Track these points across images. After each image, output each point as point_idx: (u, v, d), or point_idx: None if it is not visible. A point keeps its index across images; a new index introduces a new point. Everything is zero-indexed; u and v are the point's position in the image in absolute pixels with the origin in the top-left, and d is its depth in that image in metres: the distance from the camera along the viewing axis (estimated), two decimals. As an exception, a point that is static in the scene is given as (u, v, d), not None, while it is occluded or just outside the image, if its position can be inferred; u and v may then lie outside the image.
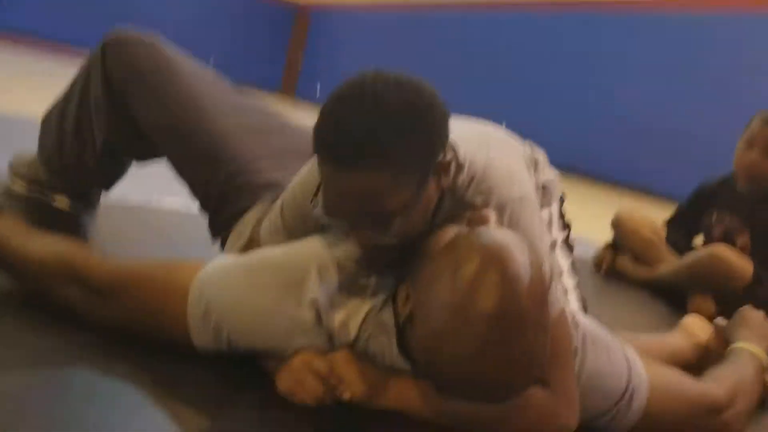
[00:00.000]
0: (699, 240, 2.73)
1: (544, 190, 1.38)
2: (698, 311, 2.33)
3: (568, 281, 1.41)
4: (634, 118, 8.75)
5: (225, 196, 1.34)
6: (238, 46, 17.20)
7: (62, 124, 1.54)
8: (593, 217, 2.80)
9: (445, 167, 0.97)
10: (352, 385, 0.96)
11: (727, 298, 2.33)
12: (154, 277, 1.04)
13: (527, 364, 0.84)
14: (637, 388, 1.13)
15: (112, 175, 1.62)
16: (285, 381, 0.98)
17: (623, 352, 1.15)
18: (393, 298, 0.98)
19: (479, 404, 0.94)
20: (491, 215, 0.94)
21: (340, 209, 0.94)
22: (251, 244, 1.22)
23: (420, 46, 13.38)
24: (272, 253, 1.04)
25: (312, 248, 1.02)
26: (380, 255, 0.98)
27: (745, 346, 1.41)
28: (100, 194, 1.72)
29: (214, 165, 1.34)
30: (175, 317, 1.01)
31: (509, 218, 1.04)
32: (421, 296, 0.89)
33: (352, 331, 0.99)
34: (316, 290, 0.98)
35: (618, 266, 2.71)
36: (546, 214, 1.39)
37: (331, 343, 0.99)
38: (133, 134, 1.45)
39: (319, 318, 0.98)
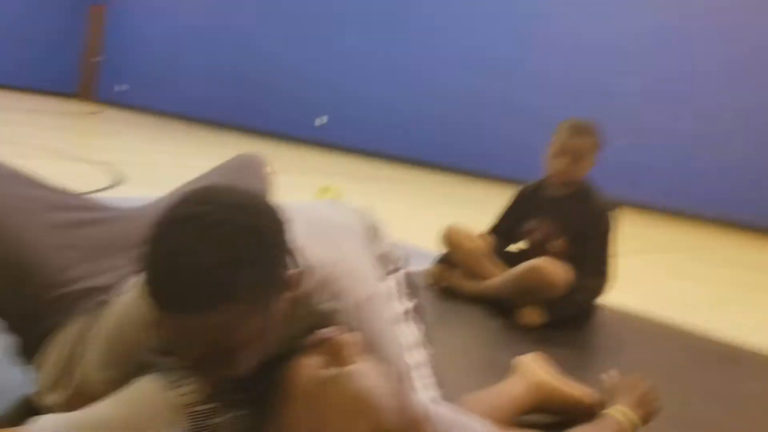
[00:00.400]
0: (523, 245, 2.85)
1: (383, 260, 1.34)
2: (527, 321, 2.45)
3: (417, 356, 1.37)
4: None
5: (36, 313, 1.15)
6: (23, 48, 15.66)
7: None
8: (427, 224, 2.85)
9: (292, 282, 0.92)
10: None
11: (551, 306, 2.47)
12: None
13: None
14: None
15: None
16: None
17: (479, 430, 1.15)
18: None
19: None
20: (351, 344, 0.90)
21: (182, 352, 0.85)
22: (79, 391, 1.06)
23: (235, 28, 12.89)
24: (110, 411, 0.91)
25: (153, 398, 0.90)
26: (230, 386, 0.91)
27: (614, 412, 1.42)
28: None
29: (20, 280, 1.15)
30: None
31: (364, 320, 1.03)
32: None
33: None
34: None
35: (452, 281, 2.78)
36: (388, 286, 1.34)
37: None
38: None
39: None
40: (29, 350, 1.17)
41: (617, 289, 2.78)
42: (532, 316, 2.45)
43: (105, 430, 0.88)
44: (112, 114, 12.92)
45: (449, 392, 1.47)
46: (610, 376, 1.56)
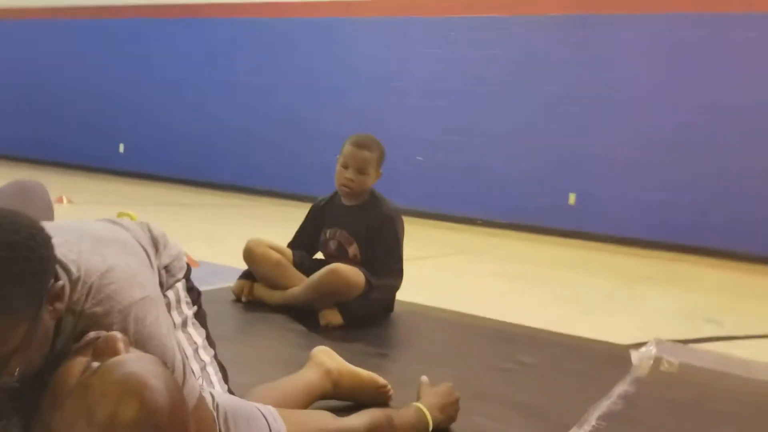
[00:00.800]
0: (322, 255, 3.07)
1: (167, 271, 1.46)
2: (328, 322, 2.66)
3: (205, 356, 1.50)
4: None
5: None
6: None
7: None
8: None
9: (57, 294, 0.99)
10: None
11: (349, 307, 2.71)
12: None
13: None
14: None
15: None
16: None
17: (263, 417, 1.30)
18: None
19: None
20: (117, 339, 0.95)
21: None
22: None
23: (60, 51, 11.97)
24: None
25: None
26: (4, 395, 0.96)
27: (419, 405, 1.64)
28: None
29: None
30: None
31: (134, 321, 1.07)
32: (47, 414, 0.90)
33: None
34: None
35: (255, 294, 2.93)
36: (172, 294, 1.47)
37: None
38: None
39: None
40: None
41: (414, 288, 3.09)
42: (332, 316, 2.67)
43: None
44: None
45: (247, 388, 1.63)
46: (422, 381, 1.79)
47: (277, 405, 1.44)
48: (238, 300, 2.93)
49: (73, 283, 1.04)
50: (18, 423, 0.97)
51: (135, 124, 10.63)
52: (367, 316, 2.76)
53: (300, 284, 2.83)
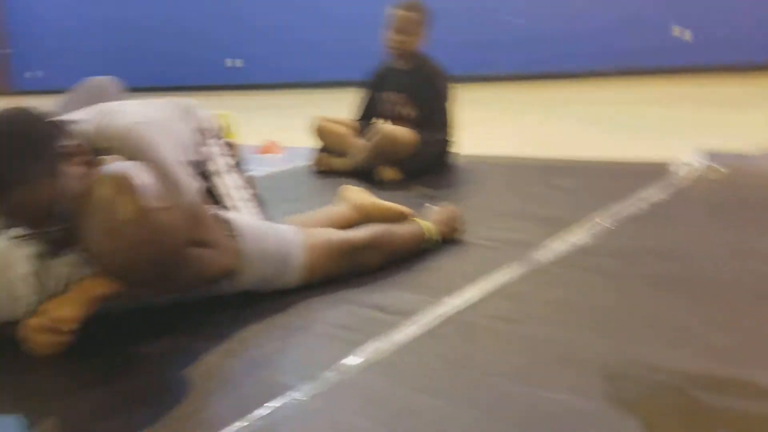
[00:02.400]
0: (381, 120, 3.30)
1: (202, 132, 1.78)
2: (386, 177, 2.93)
3: (244, 193, 1.85)
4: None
5: None
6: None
7: None
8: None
9: (72, 151, 1.27)
10: (70, 314, 1.27)
11: (403, 163, 2.96)
12: None
13: (172, 253, 1.21)
14: (291, 253, 1.56)
15: None
16: (29, 336, 1.28)
17: (279, 231, 1.58)
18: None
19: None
20: (105, 159, 1.27)
21: (18, 223, 1.25)
22: None
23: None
24: None
25: (11, 245, 1.32)
26: (60, 239, 1.28)
27: (419, 220, 1.87)
28: None
29: None
30: None
31: (135, 137, 1.37)
32: (87, 238, 1.20)
33: (54, 281, 1.31)
34: (26, 267, 1.29)
35: (326, 163, 3.24)
36: (207, 149, 1.79)
37: (47, 297, 1.30)
38: None
39: (30, 290, 1.30)
40: None
41: (489, 142, 3.25)
42: (387, 172, 2.94)
43: None
44: (31, 101, 12.82)
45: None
46: (428, 206, 2.01)
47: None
48: (314, 169, 3.27)
49: (89, 137, 1.36)
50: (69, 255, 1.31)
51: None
52: (420, 168, 2.96)
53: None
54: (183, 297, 1.49)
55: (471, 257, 1.81)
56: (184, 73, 11.94)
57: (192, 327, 1.45)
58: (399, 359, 1.26)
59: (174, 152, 1.45)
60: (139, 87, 11.44)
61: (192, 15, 11.83)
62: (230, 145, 1.92)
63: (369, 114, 3.30)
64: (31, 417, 1.15)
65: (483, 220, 2.11)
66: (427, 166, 3.00)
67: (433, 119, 3.05)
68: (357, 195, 2.09)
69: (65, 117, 1.41)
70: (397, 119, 3.11)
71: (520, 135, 4.21)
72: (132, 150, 1.35)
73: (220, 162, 1.82)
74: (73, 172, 1.26)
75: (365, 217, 2.03)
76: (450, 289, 1.55)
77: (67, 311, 1.27)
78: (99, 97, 1.92)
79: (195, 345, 1.37)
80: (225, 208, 1.72)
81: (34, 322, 1.27)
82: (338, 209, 2.03)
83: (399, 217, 2.03)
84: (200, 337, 1.40)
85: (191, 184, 1.42)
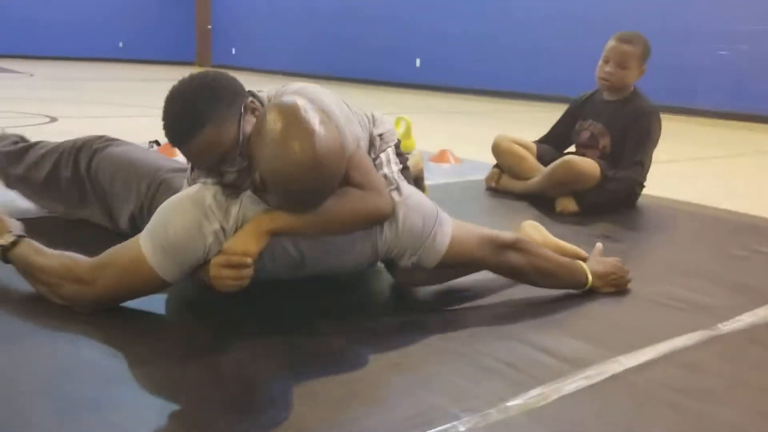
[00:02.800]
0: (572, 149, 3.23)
1: (381, 138, 1.85)
2: (564, 209, 2.86)
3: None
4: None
5: (150, 202, 1.87)
6: (145, 27, 17.01)
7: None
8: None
9: (252, 107, 1.45)
10: (245, 248, 1.38)
11: (584, 196, 2.86)
12: (116, 254, 1.46)
13: (332, 170, 1.33)
14: (444, 221, 1.59)
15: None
16: (212, 277, 1.40)
17: (434, 204, 1.62)
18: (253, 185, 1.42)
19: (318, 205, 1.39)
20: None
21: (200, 164, 1.44)
22: None
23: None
24: (179, 193, 1.50)
25: (199, 188, 1.45)
26: (238, 179, 1.43)
27: (582, 263, 1.80)
28: None
29: (140, 183, 1.94)
30: (140, 269, 1.42)
31: (306, 93, 1.53)
32: (256, 151, 1.35)
33: (233, 215, 1.42)
34: (213, 206, 1.41)
35: (501, 183, 3.22)
36: (384, 156, 1.85)
37: (228, 234, 1.42)
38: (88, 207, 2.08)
39: (218, 221, 1.41)
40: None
41: (681, 186, 3.06)
42: (567, 203, 2.86)
43: (177, 203, 1.44)
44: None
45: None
46: (597, 247, 1.94)
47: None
48: (488, 188, 3.26)
49: (263, 100, 1.53)
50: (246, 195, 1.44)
51: (429, 40, 11.31)
52: (603, 205, 2.86)
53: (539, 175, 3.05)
54: (333, 261, 1.55)
55: (652, 316, 1.71)
56: (374, 68, 12.35)
57: (359, 332, 1.50)
58: (561, 411, 1.22)
59: (337, 109, 1.58)
60: (322, 76, 12.06)
61: (386, 6, 12.15)
62: (402, 154, 1.98)
63: (556, 139, 3.24)
64: (208, 400, 1.23)
65: (670, 278, 2.00)
66: (609, 203, 2.89)
67: (626, 156, 2.93)
68: (535, 231, 2.05)
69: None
70: (591, 149, 3.03)
71: (721, 183, 3.94)
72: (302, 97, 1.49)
73: (392, 169, 1.88)
74: (251, 121, 1.42)
75: None
76: (625, 347, 1.48)
77: (242, 245, 1.39)
78: None
79: (361, 351, 1.41)
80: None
81: (217, 258, 1.41)
82: None
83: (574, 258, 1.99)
84: (366, 344, 1.44)
85: (353, 132, 1.56)
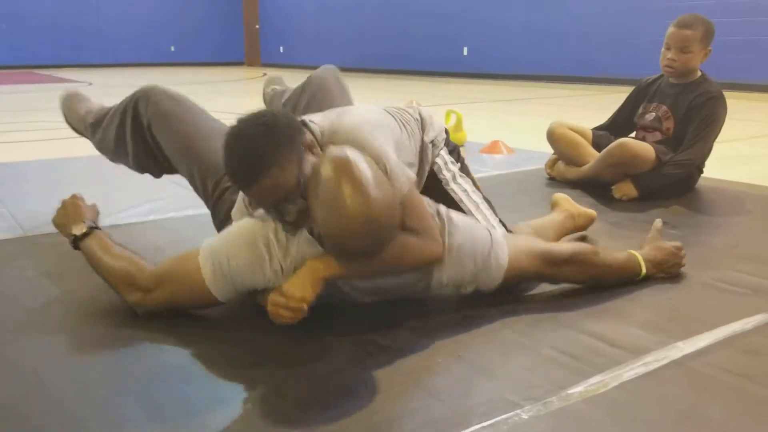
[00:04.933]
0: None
1: (433, 144, 1.90)
2: (622, 195, 2.86)
3: (476, 197, 1.94)
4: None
5: (215, 201, 1.88)
6: (195, 30, 17.40)
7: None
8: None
9: (309, 144, 1.47)
10: (303, 294, 1.41)
11: (641, 180, 2.86)
12: (175, 267, 1.55)
13: (385, 225, 1.30)
14: (498, 250, 1.61)
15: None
16: (270, 314, 1.45)
17: (486, 231, 1.64)
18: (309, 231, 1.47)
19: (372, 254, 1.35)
20: (332, 144, 1.45)
21: (263, 205, 1.45)
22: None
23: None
24: (241, 223, 1.55)
25: (263, 224, 1.50)
26: (298, 217, 1.44)
27: (635, 253, 1.81)
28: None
29: (204, 179, 1.90)
30: (196, 286, 1.50)
31: (358, 133, 1.54)
32: (311, 205, 1.34)
33: (292, 253, 1.47)
34: (273, 241, 1.47)
35: (556, 170, 3.24)
36: (440, 160, 1.92)
37: (286, 272, 1.47)
38: (154, 159, 2.06)
39: (278, 260, 1.47)
40: (217, 224, 1.89)
41: (729, 167, 3.01)
42: (625, 188, 2.86)
43: (239, 234, 1.50)
44: (273, 72, 14.07)
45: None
46: (656, 225, 1.94)
47: (530, 233, 1.96)
48: (546, 174, 3.30)
49: (317, 134, 1.55)
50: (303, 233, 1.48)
51: (477, 28, 11.25)
52: (661, 189, 2.85)
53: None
54: (391, 293, 1.60)
55: (710, 301, 1.73)
56: (421, 58, 12.36)
57: (420, 326, 1.56)
58: (621, 397, 1.26)
59: (390, 147, 1.58)
60: (370, 69, 12.17)
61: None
62: (456, 150, 2.02)
63: (622, 126, 3.24)
64: (280, 392, 1.31)
65: (728, 262, 2.01)
66: (666, 187, 2.88)
67: (689, 139, 2.91)
68: (568, 203, 2.25)
69: (304, 117, 1.62)
70: (654, 131, 3.02)
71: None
72: (354, 143, 1.49)
73: (451, 170, 1.92)
74: (309, 160, 1.44)
75: (575, 224, 2.22)
76: (683, 333, 1.51)
77: (299, 292, 1.42)
78: (323, 93, 2.13)
79: (424, 343, 1.47)
80: (461, 211, 1.84)
81: (274, 298, 1.44)
82: (556, 218, 2.17)
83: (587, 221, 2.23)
84: (428, 337, 1.50)
85: (406, 174, 1.54)
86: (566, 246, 1.75)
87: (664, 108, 3.02)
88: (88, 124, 2.30)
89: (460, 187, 1.93)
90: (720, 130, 2.96)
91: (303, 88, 2.18)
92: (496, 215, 1.95)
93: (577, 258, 1.71)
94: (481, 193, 1.97)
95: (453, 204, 1.89)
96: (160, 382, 1.33)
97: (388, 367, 1.39)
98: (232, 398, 1.28)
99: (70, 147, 4.36)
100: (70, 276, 1.87)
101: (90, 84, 10.90)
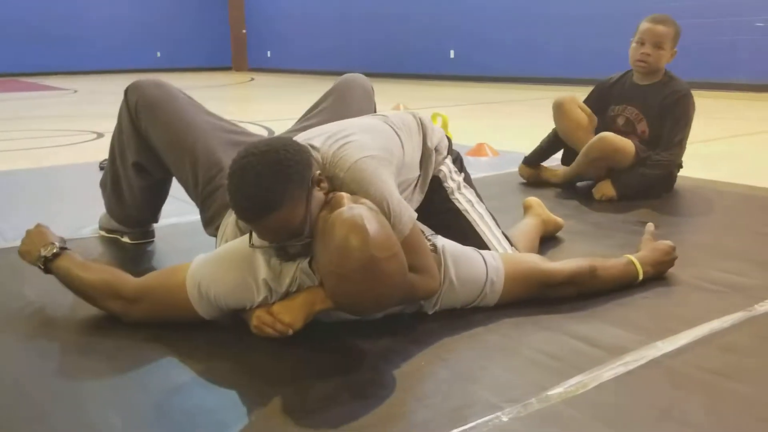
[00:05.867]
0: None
1: (436, 151, 1.89)
2: (602, 195, 2.89)
3: (480, 208, 1.94)
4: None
5: (205, 197, 1.87)
6: (181, 36, 17.37)
7: (107, 187, 2.23)
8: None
9: (318, 179, 1.42)
10: (293, 321, 1.42)
11: (620, 179, 2.89)
12: (161, 283, 1.56)
13: (392, 296, 1.32)
14: (494, 280, 1.63)
15: (151, 210, 2.28)
16: (253, 326, 1.47)
17: (482, 257, 1.64)
18: (309, 261, 1.46)
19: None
20: (343, 197, 1.38)
21: (268, 239, 1.42)
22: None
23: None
24: (232, 246, 1.54)
25: (255, 253, 1.47)
26: (300, 251, 1.44)
27: (632, 258, 1.82)
28: (152, 227, 2.38)
29: (196, 173, 1.88)
30: (182, 303, 1.51)
31: (359, 170, 1.48)
32: (318, 266, 1.36)
33: (287, 282, 1.46)
34: (264, 269, 1.46)
35: (542, 176, 3.28)
36: (445, 168, 1.91)
37: (276, 294, 1.47)
38: (151, 152, 2.01)
39: (268, 285, 1.46)
40: (206, 222, 1.89)
41: (716, 166, 3.04)
42: (605, 188, 2.89)
43: (229, 257, 1.50)
44: (262, 79, 14.09)
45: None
46: (648, 228, 1.98)
47: (520, 240, 1.99)
48: (524, 182, 3.32)
49: (321, 164, 1.51)
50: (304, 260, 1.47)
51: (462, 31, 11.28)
52: (640, 188, 2.88)
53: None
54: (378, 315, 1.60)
55: (689, 300, 1.75)
56: (408, 62, 12.39)
57: (405, 331, 1.57)
58: (601, 397, 1.28)
59: (393, 183, 1.55)
60: (356, 73, 12.00)
61: (418, 2, 12.17)
62: (459, 159, 2.02)
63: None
64: (264, 400, 1.31)
65: (707, 260, 2.03)
66: (646, 185, 2.91)
67: (667, 139, 2.93)
68: (540, 208, 2.31)
69: (304, 141, 1.56)
70: (628, 135, 3.02)
71: (763, 159, 3.90)
72: (357, 183, 1.48)
73: (455, 179, 1.93)
74: (317, 196, 1.41)
75: (545, 229, 2.26)
76: (662, 332, 1.53)
77: (289, 318, 1.42)
78: (347, 91, 2.15)
79: (409, 348, 1.48)
80: (466, 222, 1.88)
81: (262, 315, 1.45)
82: (532, 222, 2.20)
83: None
84: (413, 342, 1.51)
85: (409, 213, 1.51)
86: (565, 269, 1.73)
87: (635, 110, 3.03)
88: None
89: (464, 197, 1.93)
90: (690, 124, 2.98)
91: (328, 93, 2.18)
92: (499, 227, 1.96)
93: (575, 280, 1.72)
94: (484, 203, 1.98)
95: (458, 214, 1.91)
96: (144, 393, 1.33)
97: (371, 371, 1.40)
98: (216, 407, 1.29)
99: (54, 155, 4.35)
100: (53, 285, 1.87)
101: (75, 91, 10.86)
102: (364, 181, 1.48)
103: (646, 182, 2.91)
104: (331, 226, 1.31)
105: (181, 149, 1.90)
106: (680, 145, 2.94)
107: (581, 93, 3.34)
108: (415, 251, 1.49)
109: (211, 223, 1.88)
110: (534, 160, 3.31)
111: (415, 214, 1.55)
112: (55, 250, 1.66)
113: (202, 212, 1.90)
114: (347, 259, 1.26)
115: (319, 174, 1.45)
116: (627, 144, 2.91)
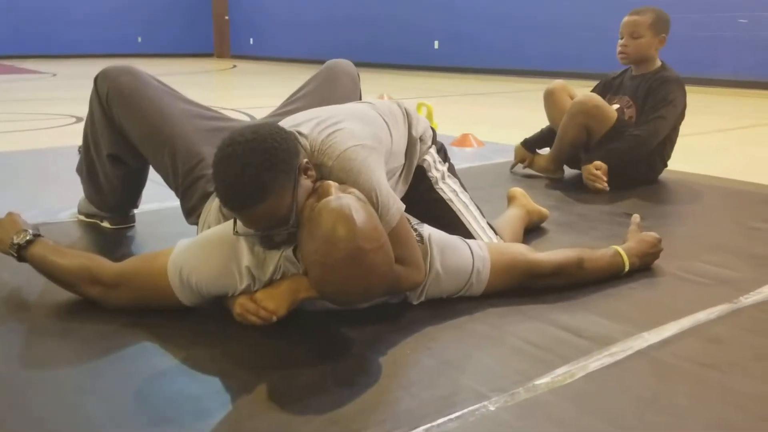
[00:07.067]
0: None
1: (421, 140, 1.87)
2: (593, 185, 2.89)
3: (465, 198, 1.94)
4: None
5: (186, 187, 1.82)
6: (163, 21, 17.16)
7: (83, 173, 2.18)
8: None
9: (305, 167, 1.40)
10: (277, 308, 1.40)
11: (597, 145, 2.97)
12: (141, 268, 1.53)
13: (379, 287, 1.30)
14: (480, 270, 1.62)
15: (130, 197, 2.23)
16: (236, 314, 1.44)
17: (468, 246, 1.63)
18: (293, 249, 1.44)
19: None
20: (330, 185, 1.36)
21: (253, 227, 1.38)
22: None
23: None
24: (215, 232, 1.52)
25: (238, 241, 1.45)
26: (285, 239, 1.42)
27: (619, 249, 1.82)
28: (132, 212, 2.33)
29: (175, 163, 1.83)
30: (162, 289, 1.48)
31: (348, 160, 1.46)
32: (303, 255, 1.32)
33: (270, 270, 1.44)
34: (247, 256, 1.44)
35: (534, 166, 3.29)
36: (429, 158, 1.90)
37: (260, 281, 1.45)
38: (125, 143, 1.94)
39: (251, 273, 1.44)
40: (187, 212, 1.84)
41: (702, 159, 3.06)
42: (590, 171, 2.90)
43: (211, 243, 1.47)
44: (245, 67, 13.97)
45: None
46: (634, 219, 1.98)
47: (505, 230, 1.98)
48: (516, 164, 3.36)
49: (309, 152, 1.48)
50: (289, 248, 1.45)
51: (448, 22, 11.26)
52: (609, 162, 2.89)
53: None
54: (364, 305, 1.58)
55: (675, 291, 1.75)
56: (392, 52, 12.34)
57: (391, 319, 1.56)
58: (587, 387, 1.27)
59: (383, 174, 1.53)
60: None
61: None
62: (443, 149, 2.01)
63: None
64: (248, 387, 1.29)
65: (693, 253, 2.04)
66: (615, 159, 2.92)
67: (645, 117, 2.96)
68: (525, 199, 2.29)
69: (291, 126, 1.53)
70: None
71: (746, 154, 3.93)
72: (345, 172, 1.45)
73: (439, 169, 1.91)
74: (304, 184, 1.39)
75: (529, 220, 2.25)
76: (649, 323, 1.52)
77: (272, 305, 1.40)
78: (332, 78, 2.11)
79: (395, 337, 1.47)
80: (451, 211, 1.87)
81: (245, 303, 1.42)
82: (517, 213, 2.19)
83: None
84: (399, 331, 1.50)
85: (397, 205, 1.49)
86: (552, 260, 1.72)
87: (626, 98, 3.09)
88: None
89: (449, 187, 1.92)
90: (681, 115, 3.01)
91: (313, 78, 2.15)
92: (484, 217, 1.95)
93: (562, 272, 1.72)
94: (468, 192, 1.96)
95: (443, 204, 1.90)
96: (125, 379, 1.31)
97: (356, 359, 1.39)
98: (199, 395, 1.26)
99: (32, 139, 4.28)
100: (29, 269, 1.83)
101: (54, 75, 10.70)
102: (353, 171, 1.46)
103: (614, 157, 2.92)
104: (318, 215, 1.29)
105: (158, 140, 1.84)
106: (654, 124, 2.93)
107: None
108: (402, 243, 1.47)
109: (192, 213, 1.83)
110: (531, 144, 3.32)
111: (403, 206, 1.52)
112: (28, 237, 1.62)
113: (182, 202, 1.86)
114: (333, 249, 1.24)
115: (307, 162, 1.42)
116: (610, 107, 2.99)
